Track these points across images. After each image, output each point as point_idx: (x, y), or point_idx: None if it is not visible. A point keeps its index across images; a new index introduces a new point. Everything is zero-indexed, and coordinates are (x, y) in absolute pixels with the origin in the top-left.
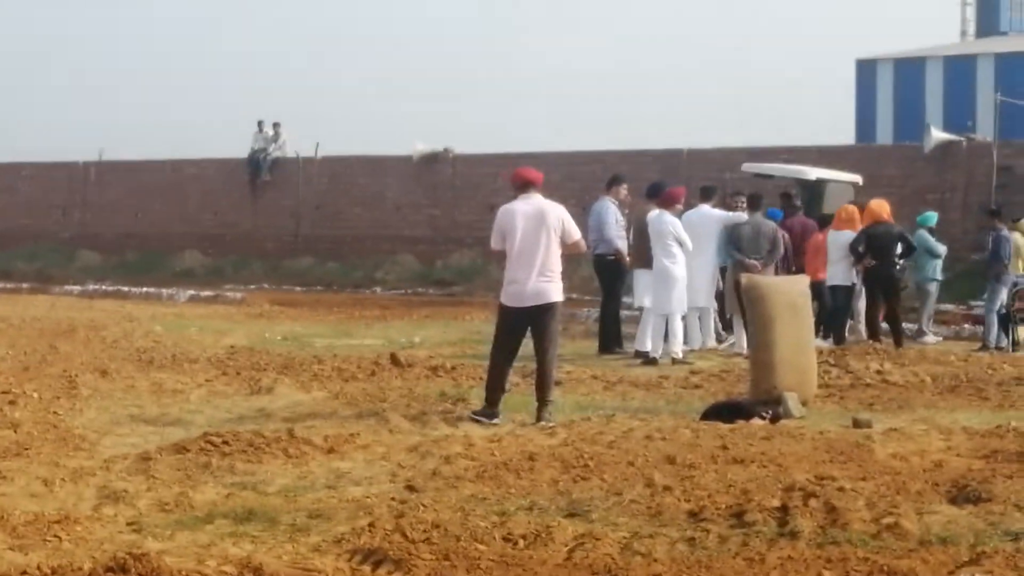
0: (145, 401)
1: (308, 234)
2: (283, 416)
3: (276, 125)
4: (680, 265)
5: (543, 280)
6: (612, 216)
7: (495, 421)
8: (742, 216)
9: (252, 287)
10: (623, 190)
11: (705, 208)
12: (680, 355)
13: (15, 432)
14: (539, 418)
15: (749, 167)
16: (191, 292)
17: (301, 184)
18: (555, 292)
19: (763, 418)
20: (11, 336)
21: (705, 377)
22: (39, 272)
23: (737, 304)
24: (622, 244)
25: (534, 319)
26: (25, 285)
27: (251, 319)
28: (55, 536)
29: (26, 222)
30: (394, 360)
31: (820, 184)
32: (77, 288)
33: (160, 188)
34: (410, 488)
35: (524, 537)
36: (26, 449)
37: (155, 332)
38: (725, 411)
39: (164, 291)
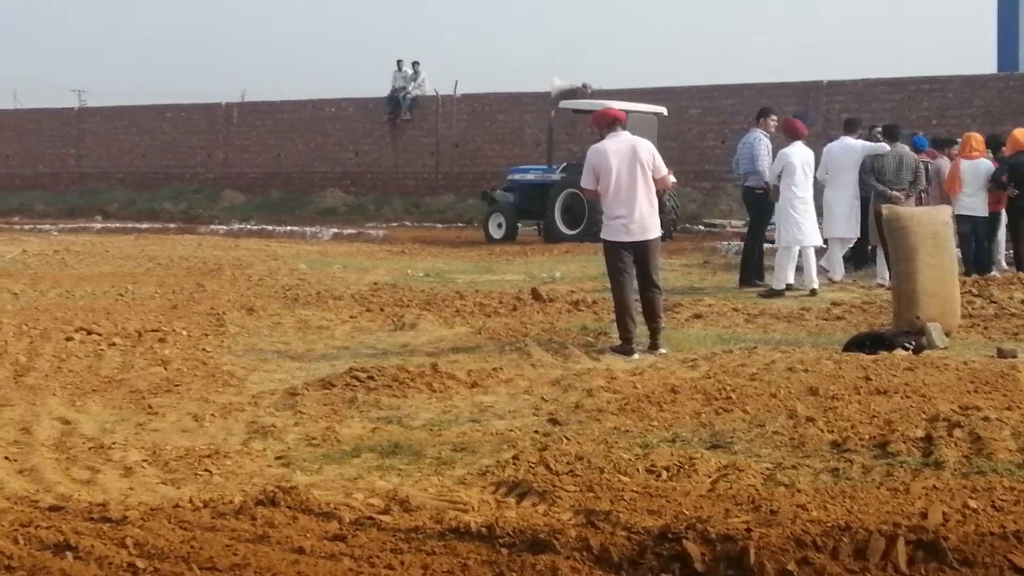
0: (291, 338)
1: (448, 171)
2: (426, 351)
3: (415, 64)
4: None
5: (645, 214)
6: (764, 148)
7: (634, 357)
8: (884, 147)
9: (394, 224)
10: (772, 122)
11: (847, 139)
12: (816, 285)
13: (165, 369)
14: (653, 346)
15: (565, 104)
16: (334, 230)
17: (440, 122)
18: (657, 225)
19: (906, 349)
20: (159, 276)
21: (847, 309)
22: (185, 212)
23: (879, 235)
24: (773, 177)
25: (639, 252)
26: (172, 225)
27: (393, 256)
28: (206, 470)
29: (170, 163)
30: (535, 295)
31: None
32: (222, 228)
33: (301, 128)
34: (553, 421)
35: (667, 469)
36: (176, 385)
37: (299, 270)
38: (868, 342)
39: (307, 229)
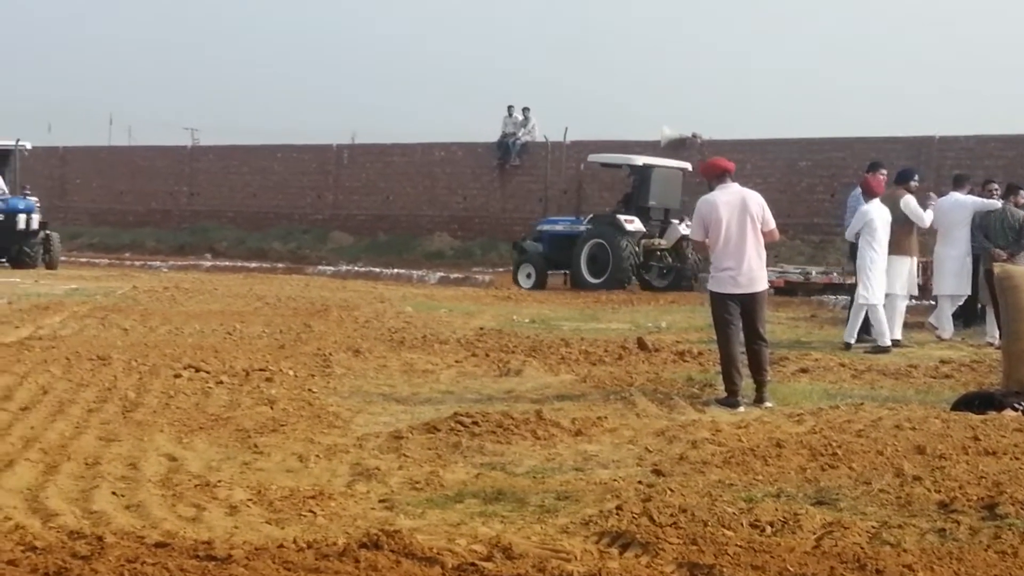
0: (396, 380)
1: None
2: (531, 398)
3: (526, 110)
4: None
5: (754, 267)
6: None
7: (740, 409)
8: (995, 204)
9: (500, 269)
10: (882, 176)
11: (957, 195)
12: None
13: (271, 408)
14: (759, 399)
15: (594, 158)
16: (440, 274)
17: (549, 168)
18: (764, 278)
19: (1016, 409)
20: (267, 315)
21: (955, 367)
22: (293, 252)
23: (989, 293)
24: (851, 235)
25: (746, 304)
26: (280, 265)
27: (499, 301)
28: (310, 511)
29: (280, 203)
30: (641, 344)
31: (647, 169)
32: (330, 269)
33: (410, 171)
34: (657, 472)
35: (771, 524)
36: (282, 425)
37: (406, 313)
38: (976, 402)
39: (414, 273)
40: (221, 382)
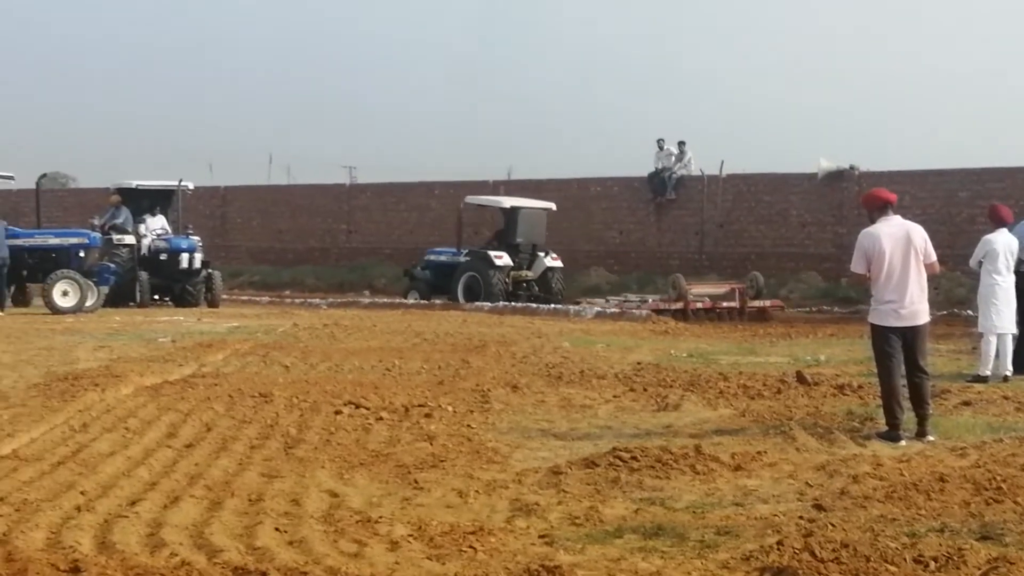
0: (555, 416)
1: (712, 251)
2: (689, 432)
3: (681, 144)
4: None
5: (916, 299)
6: None
7: (901, 443)
8: None
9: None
10: None
11: None
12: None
13: (431, 444)
14: (921, 432)
15: (471, 199)
16: (597, 309)
17: (705, 202)
18: (926, 311)
19: None
20: (425, 351)
21: None
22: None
23: None
24: (974, 263)
25: (908, 337)
26: (437, 301)
27: (656, 336)
28: (470, 547)
29: (438, 240)
30: (800, 378)
31: (514, 211)
32: (487, 305)
33: (567, 206)
34: (818, 507)
35: (935, 559)
36: (441, 461)
37: (563, 348)
38: None
39: (571, 308)
40: (381, 418)
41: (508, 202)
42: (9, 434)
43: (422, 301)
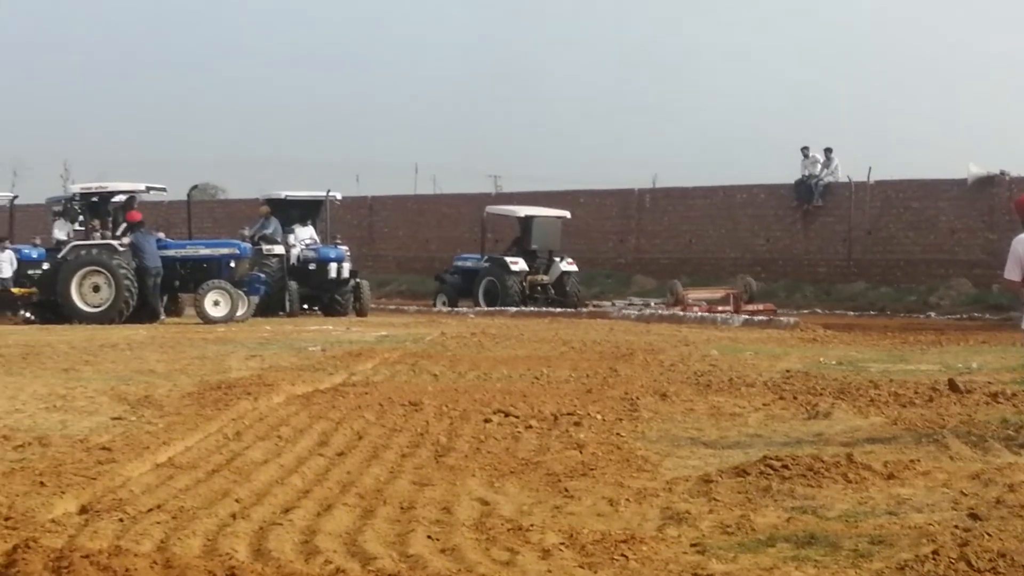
0: (704, 424)
1: (860, 258)
2: (841, 441)
3: (828, 151)
4: None
5: None
6: None
7: None
8: None
9: (805, 311)
10: None
11: None
12: None
13: (581, 453)
14: None
15: (491, 209)
16: (744, 316)
17: (853, 209)
18: None
19: None
20: (573, 359)
21: None
22: (596, 296)
23: None
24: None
25: None
26: (584, 310)
27: (805, 343)
28: (622, 555)
29: (583, 248)
30: (952, 386)
31: (529, 219)
32: (633, 312)
33: (713, 213)
34: (974, 516)
35: None
36: (591, 469)
37: (711, 356)
38: None
39: (717, 316)
40: (530, 426)
41: (523, 211)
42: (164, 442)
43: (448, 305)
